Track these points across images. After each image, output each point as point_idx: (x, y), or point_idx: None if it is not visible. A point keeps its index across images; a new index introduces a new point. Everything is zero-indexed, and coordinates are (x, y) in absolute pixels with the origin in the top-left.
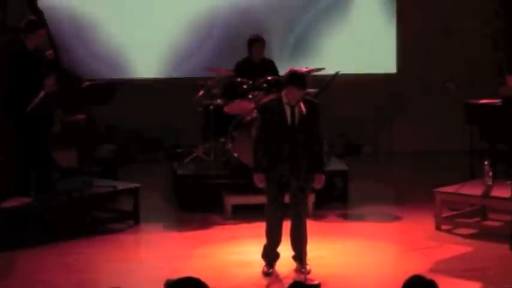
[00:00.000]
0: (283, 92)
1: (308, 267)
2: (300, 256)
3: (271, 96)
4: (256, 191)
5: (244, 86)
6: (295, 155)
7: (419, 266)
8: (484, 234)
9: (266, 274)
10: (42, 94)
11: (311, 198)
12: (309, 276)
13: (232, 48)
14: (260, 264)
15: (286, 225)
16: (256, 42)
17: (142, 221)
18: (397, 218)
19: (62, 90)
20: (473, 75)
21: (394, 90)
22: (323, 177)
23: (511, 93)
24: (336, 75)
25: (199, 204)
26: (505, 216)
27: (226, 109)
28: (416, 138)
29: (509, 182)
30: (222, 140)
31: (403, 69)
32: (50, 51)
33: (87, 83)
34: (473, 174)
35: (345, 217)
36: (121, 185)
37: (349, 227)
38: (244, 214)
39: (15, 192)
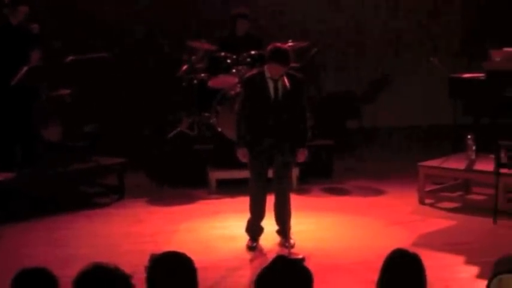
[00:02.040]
0: (265, 67)
1: (292, 241)
2: (283, 230)
3: (254, 71)
4: (240, 166)
5: (228, 61)
6: (279, 130)
7: (402, 240)
8: (468, 208)
9: (250, 248)
10: (25, 69)
11: (295, 172)
12: (293, 250)
13: None
14: (244, 238)
15: (270, 200)
16: (240, 18)
17: (127, 196)
18: (380, 192)
19: (46, 65)
20: (456, 49)
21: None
22: (306, 151)
23: (494, 68)
24: (315, 52)
25: (184, 178)
26: (489, 190)
27: (210, 84)
28: (400, 112)
29: (491, 156)
30: (206, 114)
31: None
32: (35, 25)
33: (71, 58)
34: (456, 148)
35: (329, 191)
36: (106, 160)
37: (333, 201)
38: (229, 188)
39: None
